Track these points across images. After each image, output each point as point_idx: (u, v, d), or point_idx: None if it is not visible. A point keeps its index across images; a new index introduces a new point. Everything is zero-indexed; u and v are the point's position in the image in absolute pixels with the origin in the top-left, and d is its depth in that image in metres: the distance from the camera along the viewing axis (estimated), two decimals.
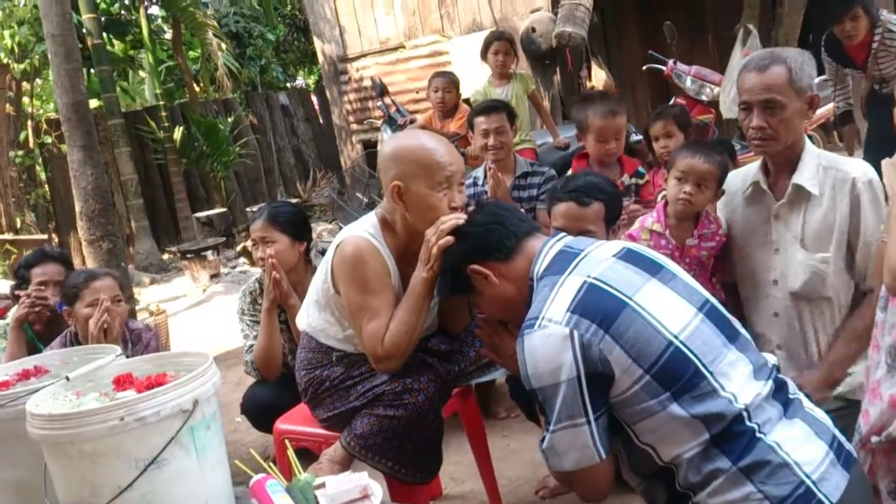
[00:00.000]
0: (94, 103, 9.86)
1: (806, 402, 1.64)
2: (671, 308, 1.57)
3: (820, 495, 1.45)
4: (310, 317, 2.28)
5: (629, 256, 1.68)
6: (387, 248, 2.09)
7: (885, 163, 1.93)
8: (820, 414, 1.63)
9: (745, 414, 1.50)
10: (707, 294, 1.68)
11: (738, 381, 1.54)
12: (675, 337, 1.52)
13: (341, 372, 2.20)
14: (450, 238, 1.88)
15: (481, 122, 3.71)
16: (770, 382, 1.58)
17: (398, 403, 2.05)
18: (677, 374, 1.50)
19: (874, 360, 1.88)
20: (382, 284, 2.05)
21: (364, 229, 2.10)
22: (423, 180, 1.99)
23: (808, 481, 1.46)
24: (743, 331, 1.67)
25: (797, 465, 1.47)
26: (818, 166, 2.21)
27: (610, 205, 2.47)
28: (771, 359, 1.67)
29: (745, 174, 2.40)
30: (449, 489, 2.88)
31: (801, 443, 1.51)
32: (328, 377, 2.22)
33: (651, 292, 1.59)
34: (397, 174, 2.01)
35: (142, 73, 12.15)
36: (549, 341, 1.52)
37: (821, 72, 4.57)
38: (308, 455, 2.46)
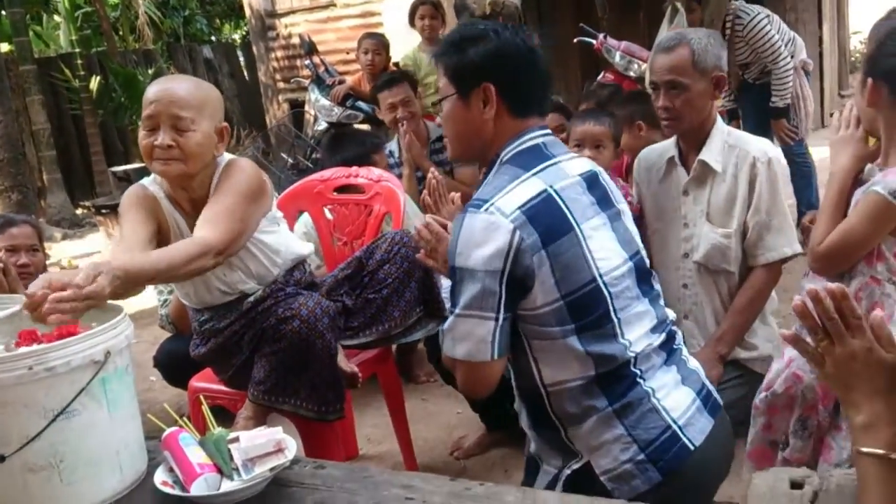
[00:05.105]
0: (4, 47, 9.39)
1: (684, 352, 1.71)
2: (607, 249, 1.60)
3: (685, 439, 1.54)
4: None
5: (592, 182, 1.67)
6: (164, 195, 2.10)
7: (829, 143, 2.00)
8: (693, 363, 1.71)
9: (632, 360, 1.56)
10: (640, 243, 1.71)
11: (637, 331, 1.59)
12: (601, 276, 1.55)
13: (205, 330, 2.22)
14: None
15: (386, 96, 3.79)
16: (663, 335, 1.65)
17: (279, 336, 2.03)
18: (588, 311, 1.54)
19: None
20: (134, 211, 2.04)
21: (145, 178, 2.14)
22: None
23: (674, 426, 1.54)
24: (658, 286, 1.73)
25: (665, 410, 1.55)
26: (724, 144, 2.31)
27: None
28: (671, 314, 1.74)
29: (660, 150, 2.49)
30: (365, 450, 2.92)
31: (671, 389, 1.59)
32: (206, 339, 2.24)
33: (597, 227, 1.60)
34: None
35: (57, 18, 11.54)
36: (489, 227, 1.50)
37: None
38: (224, 414, 2.45)
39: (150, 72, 10.33)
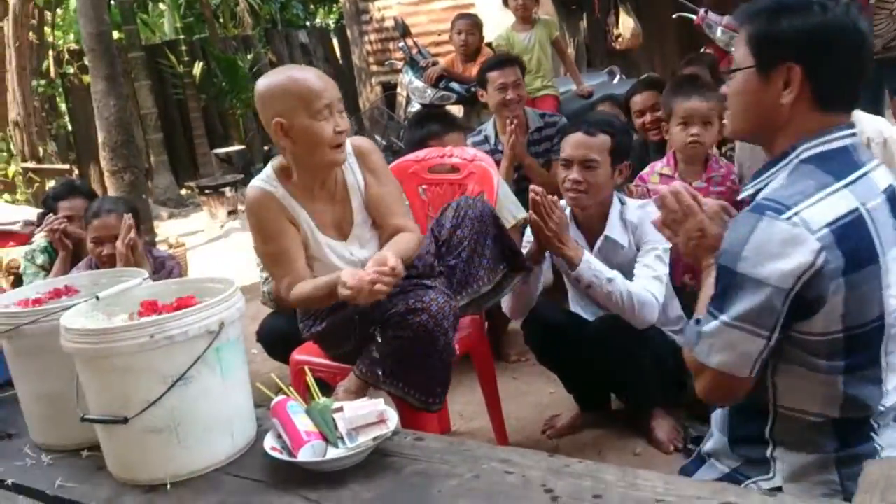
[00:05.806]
0: (114, 35, 9.82)
1: None
2: None
3: None
4: None
5: (893, 200, 1.44)
6: (285, 191, 2.15)
7: None
8: None
9: (880, 412, 1.43)
10: None
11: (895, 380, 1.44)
12: (889, 315, 1.38)
13: (332, 309, 2.26)
14: None
15: (497, 76, 3.71)
16: None
17: (405, 325, 2.07)
18: (864, 350, 1.38)
19: None
20: (277, 230, 2.14)
21: (260, 179, 2.18)
22: (302, 111, 2.03)
23: None
24: None
25: None
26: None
27: (617, 140, 2.51)
28: None
29: None
30: (458, 426, 2.96)
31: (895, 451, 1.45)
32: (321, 319, 2.30)
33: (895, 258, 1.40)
34: (277, 111, 2.05)
35: (161, 7, 12.04)
36: (791, 240, 1.30)
37: None
38: (323, 386, 2.53)
39: (248, 57, 10.65)
